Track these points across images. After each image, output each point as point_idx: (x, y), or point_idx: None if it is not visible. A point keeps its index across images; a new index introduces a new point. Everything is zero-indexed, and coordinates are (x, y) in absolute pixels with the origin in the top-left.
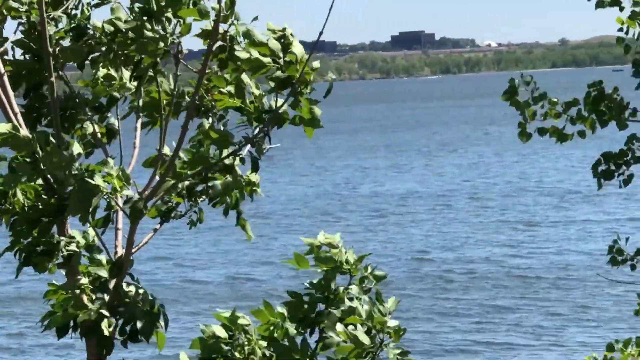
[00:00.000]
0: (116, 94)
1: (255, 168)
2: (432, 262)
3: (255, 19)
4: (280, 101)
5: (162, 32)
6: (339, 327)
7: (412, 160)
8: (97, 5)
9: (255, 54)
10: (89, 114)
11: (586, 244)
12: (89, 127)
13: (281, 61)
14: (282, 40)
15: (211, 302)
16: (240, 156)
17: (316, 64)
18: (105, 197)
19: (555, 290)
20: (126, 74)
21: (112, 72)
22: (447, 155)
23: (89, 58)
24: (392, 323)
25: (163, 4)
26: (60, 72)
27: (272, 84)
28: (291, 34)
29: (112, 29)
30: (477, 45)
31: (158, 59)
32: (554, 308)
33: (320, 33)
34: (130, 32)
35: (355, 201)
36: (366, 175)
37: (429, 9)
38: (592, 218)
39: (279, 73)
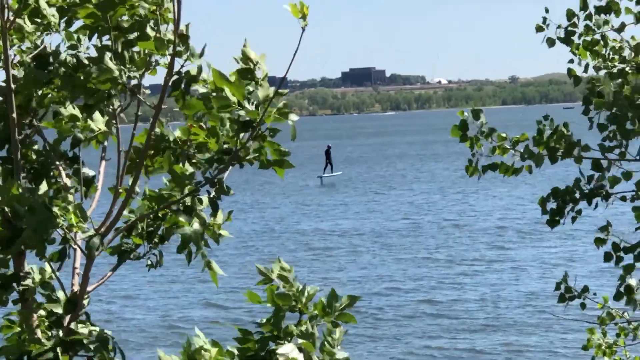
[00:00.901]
0: (80, 135)
1: (214, 210)
2: (364, 300)
3: (202, 54)
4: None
5: (121, 66)
6: None
7: (353, 196)
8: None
9: (223, 88)
10: (61, 166)
11: (520, 282)
12: (63, 180)
13: (245, 103)
14: (250, 76)
15: (153, 343)
16: (198, 196)
17: (281, 105)
18: (60, 230)
19: (488, 329)
20: (97, 116)
21: (77, 112)
22: (389, 191)
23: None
24: (340, 355)
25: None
26: (35, 123)
27: (234, 125)
28: (260, 70)
29: (74, 60)
30: (428, 82)
31: (113, 92)
32: (485, 344)
33: (285, 75)
34: (90, 63)
35: (294, 237)
36: (307, 212)
37: (379, 45)
38: (528, 256)
39: (242, 113)
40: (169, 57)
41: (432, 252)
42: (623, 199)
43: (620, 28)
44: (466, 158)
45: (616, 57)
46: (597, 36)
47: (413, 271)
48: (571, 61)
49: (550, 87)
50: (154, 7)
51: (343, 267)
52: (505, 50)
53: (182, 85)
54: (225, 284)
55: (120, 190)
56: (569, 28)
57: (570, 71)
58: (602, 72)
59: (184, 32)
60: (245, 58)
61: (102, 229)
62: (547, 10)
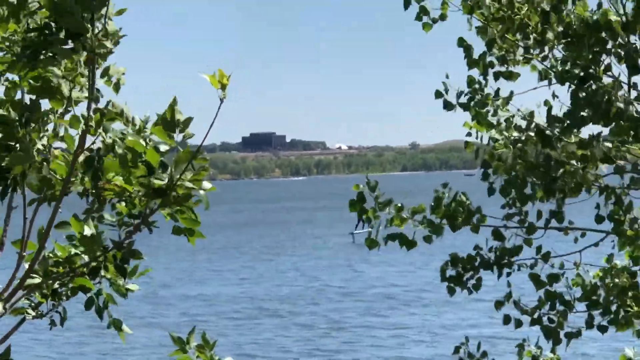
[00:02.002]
0: None
1: (122, 274)
2: None
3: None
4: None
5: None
6: None
7: (234, 263)
8: None
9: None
10: None
11: (407, 348)
12: None
13: (159, 172)
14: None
15: None
16: (102, 263)
17: (197, 172)
18: None
19: None
20: None
21: None
22: (277, 257)
23: None
24: None
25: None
26: None
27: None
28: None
29: None
30: (328, 147)
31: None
32: None
33: (202, 142)
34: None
35: (167, 301)
36: (180, 278)
37: (280, 111)
38: (415, 323)
39: (155, 182)
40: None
41: (315, 319)
42: (524, 266)
43: (509, 97)
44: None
45: (510, 127)
46: (490, 108)
47: (298, 337)
48: (469, 134)
49: (451, 153)
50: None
51: (223, 332)
52: (406, 116)
53: (95, 162)
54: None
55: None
56: (469, 95)
57: (467, 145)
58: (501, 140)
59: (101, 108)
60: (171, 117)
61: (6, 293)
62: (447, 76)
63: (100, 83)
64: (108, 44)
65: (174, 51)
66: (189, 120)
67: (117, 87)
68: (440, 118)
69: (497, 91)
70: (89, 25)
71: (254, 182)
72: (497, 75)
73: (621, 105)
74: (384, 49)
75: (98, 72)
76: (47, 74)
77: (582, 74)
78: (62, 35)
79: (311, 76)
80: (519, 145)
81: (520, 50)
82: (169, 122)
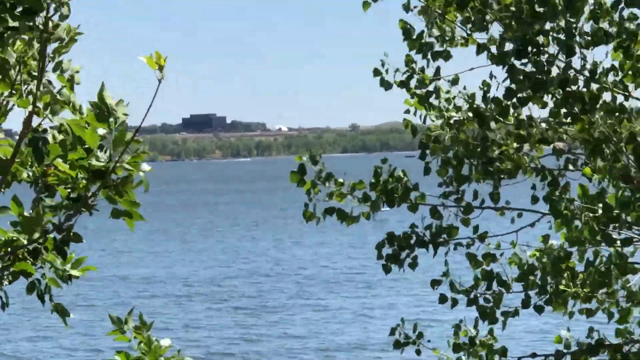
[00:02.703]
0: None
1: (62, 256)
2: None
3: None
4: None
5: None
6: None
7: (170, 244)
8: None
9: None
10: None
11: (342, 330)
12: None
13: (98, 151)
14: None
15: None
16: (42, 245)
17: (135, 154)
18: None
19: None
20: None
21: None
22: (207, 239)
23: None
24: None
25: None
26: None
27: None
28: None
29: None
30: (268, 129)
31: None
32: None
33: (140, 125)
34: None
35: (104, 283)
36: (116, 260)
37: (220, 92)
38: (348, 304)
39: (94, 163)
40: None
41: (249, 300)
42: (460, 245)
43: (455, 80)
44: (302, 206)
45: (450, 107)
46: (431, 88)
47: (231, 319)
48: (407, 111)
49: (391, 135)
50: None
51: (159, 313)
52: (346, 98)
53: (40, 144)
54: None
55: None
56: (407, 73)
57: (406, 123)
58: (439, 122)
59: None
60: (102, 103)
61: None
62: (385, 55)
63: (52, 77)
64: (62, 28)
65: (109, 35)
66: (120, 103)
67: (71, 84)
68: (380, 100)
69: (438, 70)
70: (45, 3)
71: (194, 163)
72: (435, 56)
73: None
74: (326, 32)
75: (51, 66)
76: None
77: (520, 48)
78: (17, 12)
79: (252, 58)
80: (457, 125)
81: (460, 31)
82: (100, 108)
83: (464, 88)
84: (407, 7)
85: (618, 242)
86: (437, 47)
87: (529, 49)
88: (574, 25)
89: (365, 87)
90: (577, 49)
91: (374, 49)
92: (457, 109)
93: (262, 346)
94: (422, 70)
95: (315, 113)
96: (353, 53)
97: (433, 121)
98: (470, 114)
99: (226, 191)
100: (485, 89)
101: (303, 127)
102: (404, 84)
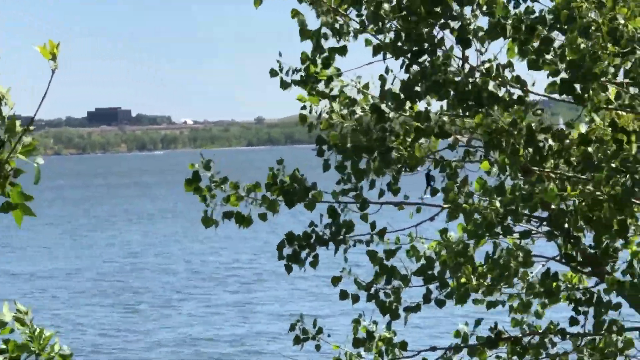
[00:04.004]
0: None
1: None
2: None
3: None
4: None
5: None
6: None
7: (60, 238)
8: None
9: None
10: None
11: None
12: None
13: None
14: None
15: None
16: None
17: (28, 141)
18: None
19: None
20: None
21: None
22: (100, 233)
23: None
24: None
25: None
26: None
27: None
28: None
29: None
30: (174, 122)
31: None
32: None
33: (34, 115)
34: None
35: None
36: (2, 254)
37: (125, 85)
38: (243, 300)
39: None
40: None
41: (136, 296)
42: (360, 241)
43: (339, 73)
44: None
45: (345, 100)
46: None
47: (119, 314)
48: (304, 107)
49: (296, 128)
50: None
51: (44, 307)
52: (252, 91)
53: None
54: None
55: None
56: (304, 71)
57: (301, 117)
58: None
59: None
60: None
61: None
62: (280, 54)
63: None
64: None
65: (15, 25)
66: (8, 91)
67: None
68: (285, 92)
69: (328, 61)
70: None
71: (100, 156)
72: (330, 51)
73: (457, 78)
74: (231, 26)
75: None
76: None
77: (415, 47)
78: None
79: (157, 51)
80: (355, 117)
81: (354, 24)
82: None
83: (358, 80)
84: None
85: (516, 234)
86: (331, 40)
87: (425, 45)
88: (469, 18)
89: (270, 80)
90: (473, 43)
91: (280, 42)
92: (353, 102)
93: (147, 341)
94: (316, 64)
95: (221, 106)
96: (258, 46)
97: (332, 111)
98: (367, 107)
99: (128, 185)
100: (381, 82)
101: (209, 121)
102: (300, 82)
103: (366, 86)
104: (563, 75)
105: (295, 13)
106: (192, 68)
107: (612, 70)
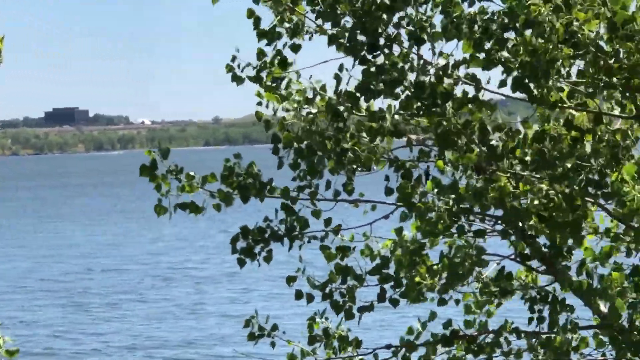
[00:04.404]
0: None
1: None
2: None
3: None
4: None
5: None
6: None
7: (10, 238)
8: None
9: None
10: None
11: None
12: None
13: None
14: None
15: None
16: None
17: None
18: None
19: None
20: None
21: None
22: (51, 233)
23: None
24: None
25: None
26: None
27: None
28: None
29: None
30: (131, 122)
31: None
32: None
33: None
34: None
35: None
36: None
37: (82, 85)
38: (195, 298)
39: None
40: None
41: (85, 295)
42: (314, 238)
43: (298, 73)
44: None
45: (301, 99)
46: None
47: (63, 313)
48: (259, 103)
49: (254, 128)
50: None
51: None
52: (209, 90)
53: None
54: None
55: None
56: (259, 67)
57: (258, 114)
58: (292, 113)
59: None
60: None
61: None
62: (237, 50)
63: None
64: None
65: None
66: None
67: None
68: (242, 92)
69: (285, 62)
70: None
71: (57, 157)
72: (283, 47)
73: (412, 76)
74: (190, 25)
75: None
76: None
77: (371, 43)
78: None
79: (114, 51)
80: (310, 116)
81: (310, 23)
82: None
83: (310, 78)
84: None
85: (471, 233)
86: (286, 39)
87: (381, 42)
88: (424, 17)
89: (228, 79)
90: (428, 41)
91: (237, 41)
92: (309, 101)
93: (98, 342)
94: (272, 63)
95: (178, 106)
96: (216, 45)
97: (287, 111)
98: (322, 105)
99: (84, 184)
100: (336, 80)
101: (166, 121)
102: (255, 79)
103: (323, 88)
104: (516, 73)
105: (250, 13)
106: (150, 67)
107: (566, 69)
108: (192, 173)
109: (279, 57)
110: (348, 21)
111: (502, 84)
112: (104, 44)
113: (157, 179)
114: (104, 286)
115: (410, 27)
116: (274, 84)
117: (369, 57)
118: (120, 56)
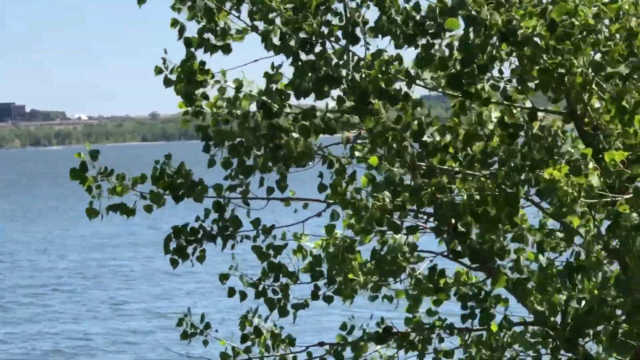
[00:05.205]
0: None
1: None
2: None
3: None
4: None
5: None
6: None
7: None
8: None
9: None
10: None
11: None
12: None
13: None
14: None
15: None
16: None
17: None
18: None
19: None
20: None
21: None
22: None
23: None
24: None
25: None
26: None
27: None
28: None
29: None
30: (68, 117)
31: None
32: None
33: None
34: None
35: None
36: None
37: (19, 81)
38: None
39: None
40: None
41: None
42: (247, 237)
43: (223, 72)
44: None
45: (236, 101)
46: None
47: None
48: (186, 113)
49: (190, 123)
50: None
51: None
52: (146, 86)
53: None
54: None
55: None
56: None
57: (183, 122)
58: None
59: None
60: None
61: None
62: (165, 51)
63: None
64: None
65: None
66: None
67: None
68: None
69: (203, 63)
70: None
71: None
72: (212, 48)
73: (345, 73)
74: (126, 21)
75: None
76: None
77: (303, 40)
78: None
79: (51, 47)
80: (243, 113)
81: (240, 23)
82: None
83: (251, 83)
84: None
85: (404, 230)
86: (214, 41)
87: (314, 39)
88: (357, 14)
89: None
90: (362, 37)
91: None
92: (238, 100)
93: (18, 339)
94: (202, 63)
95: (115, 102)
96: (152, 41)
97: (219, 109)
98: (254, 106)
99: (16, 180)
100: (267, 78)
101: (103, 116)
102: (185, 82)
103: (250, 83)
104: (452, 70)
105: (173, 22)
106: (87, 62)
107: (500, 66)
108: (122, 174)
109: (198, 63)
110: (279, 24)
111: (437, 80)
112: (40, 40)
113: (88, 182)
114: (28, 283)
115: (341, 26)
116: (201, 87)
117: (301, 55)
118: (56, 52)
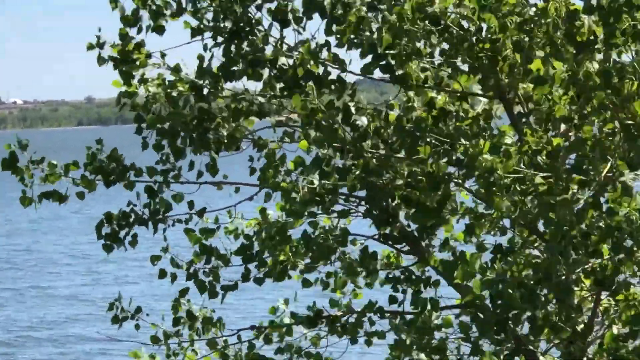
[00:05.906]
0: None
1: None
2: None
3: None
4: None
5: None
6: None
7: None
8: None
9: None
10: None
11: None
12: None
13: None
14: None
15: None
16: None
17: None
18: None
19: None
20: None
21: None
22: None
23: None
24: None
25: None
26: None
27: None
28: None
29: None
30: (3, 102)
31: None
32: None
33: None
34: None
35: None
36: None
37: None
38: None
39: None
40: None
41: None
42: (179, 221)
43: (163, 54)
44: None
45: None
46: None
47: None
48: (123, 93)
49: (127, 107)
50: None
51: None
52: (81, 70)
53: None
54: None
55: None
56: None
57: (118, 101)
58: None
59: None
60: None
61: None
62: (99, 30)
63: None
64: None
65: None
66: None
67: None
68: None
69: (141, 43)
70: None
71: None
72: (147, 29)
73: (275, 57)
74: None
75: None
76: None
77: (234, 28)
78: None
79: None
80: (173, 96)
81: (173, 6)
82: None
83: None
84: None
85: (335, 213)
86: (147, 21)
87: (243, 26)
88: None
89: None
90: (292, 22)
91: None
92: (170, 83)
93: None
94: (139, 45)
95: (51, 86)
96: (88, 23)
97: (149, 92)
98: (184, 87)
99: None
100: (199, 61)
101: (38, 100)
102: (116, 60)
103: (177, 67)
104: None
105: (114, 4)
106: (22, 45)
107: (428, 50)
108: (54, 162)
109: (134, 41)
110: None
111: (367, 67)
112: None
113: (20, 171)
114: None
115: (272, 10)
116: (134, 67)
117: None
118: None
